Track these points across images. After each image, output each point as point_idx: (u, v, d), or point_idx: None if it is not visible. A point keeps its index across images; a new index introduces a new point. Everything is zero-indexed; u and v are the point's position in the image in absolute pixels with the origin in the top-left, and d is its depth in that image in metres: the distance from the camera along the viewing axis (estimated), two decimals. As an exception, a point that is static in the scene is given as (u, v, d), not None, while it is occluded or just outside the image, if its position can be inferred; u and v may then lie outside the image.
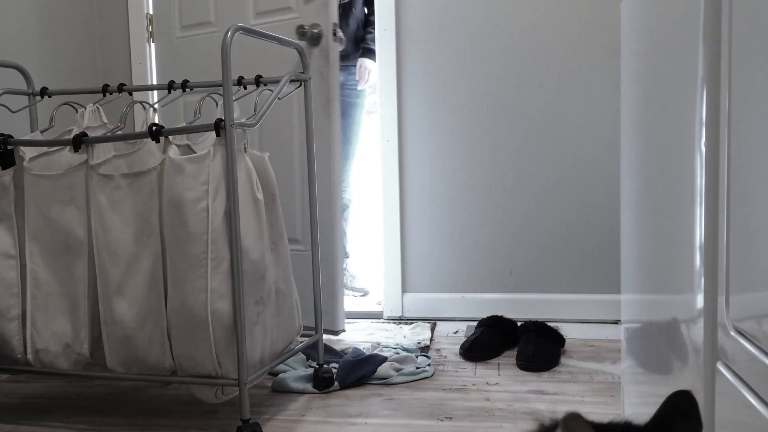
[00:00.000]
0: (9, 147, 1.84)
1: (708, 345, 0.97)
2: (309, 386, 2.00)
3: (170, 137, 1.73)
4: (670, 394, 0.74)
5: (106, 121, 2.01)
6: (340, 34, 2.50)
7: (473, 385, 2.03)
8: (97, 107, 1.99)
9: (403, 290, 2.80)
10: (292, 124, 2.82)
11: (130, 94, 2.20)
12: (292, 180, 2.56)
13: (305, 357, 2.20)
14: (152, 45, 2.95)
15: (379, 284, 2.87)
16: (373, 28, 2.89)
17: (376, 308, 2.86)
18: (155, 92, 2.90)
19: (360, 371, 2.04)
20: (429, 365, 2.14)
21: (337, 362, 2.12)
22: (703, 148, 0.96)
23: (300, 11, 2.44)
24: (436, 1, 2.70)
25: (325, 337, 2.16)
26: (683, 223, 1.07)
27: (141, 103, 2.10)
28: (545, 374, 2.10)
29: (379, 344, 2.37)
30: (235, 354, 1.66)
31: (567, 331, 2.53)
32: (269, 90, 1.87)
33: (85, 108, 1.97)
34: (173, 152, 1.68)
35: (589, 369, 2.13)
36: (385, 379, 2.05)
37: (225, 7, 2.70)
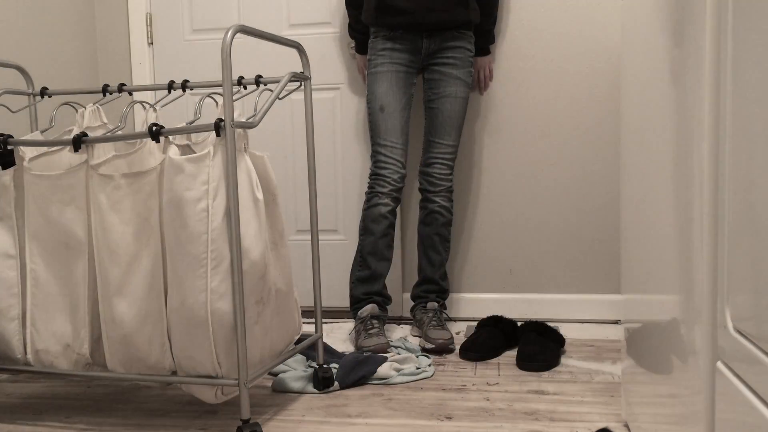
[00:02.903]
0: (9, 147, 1.84)
1: (708, 345, 0.97)
2: (309, 386, 2.00)
3: (170, 137, 1.73)
4: None
5: (106, 121, 2.01)
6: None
7: (473, 385, 2.03)
8: (97, 107, 1.99)
9: (404, 290, 2.80)
10: (333, 119, 2.84)
11: (130, 94, 2.20)
12: (331, 172, 2.84)
13: (305, 357, 2.20)
14: (152, 45, 2.96)
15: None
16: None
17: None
18: (155, 92, 2.91)
19: (360, 371, 2.04)
20: (429, 365, 2.14)
21: (337, 362, 2.12)
22: (704, 148, 0.96)
23: None
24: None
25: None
26: (683, 223, 1.07)
27: (141, 103, 2.10)
28: (545, 374, 2.10)
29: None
30: (235, 354, 1.66)
31: (567, 331, 2.54)
32: (269, 90, 1.87)
33: (85, 108, 1.97)
34: (173, 152, 1.68)
35: (589, 369, 2.13)
36: (385, 379, 2.05)
37: (249, 15, 2.74)
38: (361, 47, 2.60)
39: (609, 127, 2.65)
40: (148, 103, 2.01)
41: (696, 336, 1.01)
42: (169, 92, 2.11)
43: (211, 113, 2.70)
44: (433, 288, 2.54)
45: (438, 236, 2.51)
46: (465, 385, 2.02)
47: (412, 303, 2.60)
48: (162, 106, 2.12)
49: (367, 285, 2.47)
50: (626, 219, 1.57)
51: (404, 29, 2.40)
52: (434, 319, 2.42)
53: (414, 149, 2.74)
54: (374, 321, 2.39)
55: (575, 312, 2.70)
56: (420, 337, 2.44)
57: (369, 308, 2.42)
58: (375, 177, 2.44)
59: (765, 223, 0.77)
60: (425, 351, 2.31)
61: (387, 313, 2.52)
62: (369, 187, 2.46)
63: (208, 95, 1.94)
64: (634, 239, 1.48)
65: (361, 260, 2.48)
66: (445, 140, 2.47)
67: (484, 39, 2.57)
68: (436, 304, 2.49)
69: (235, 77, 2.09)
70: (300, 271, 2.88)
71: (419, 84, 2.57)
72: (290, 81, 1.85)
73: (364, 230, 2.46)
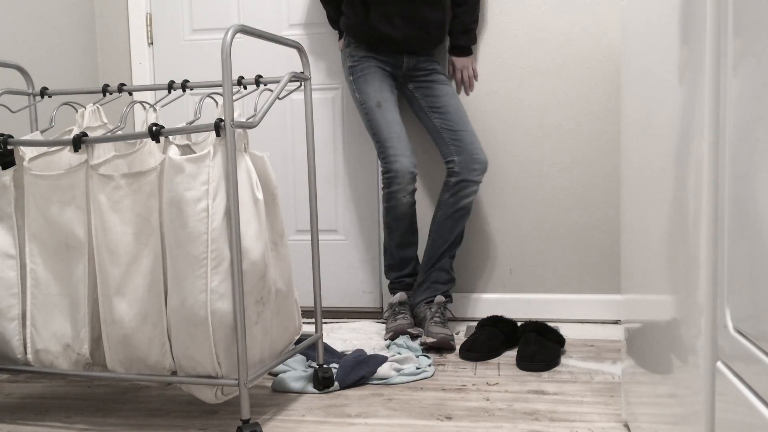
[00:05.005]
0: (9, 147, 1.84)
1: (708, 345, 0.97)
2: (309, 386, 2.00)
3: (170, 137, 1.73)
4: None
5: (106, 121, 2.01)
6: None
7: (473, 385, 2.03)
8: (97, 107, 1.99)
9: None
10: (333, 119, 2.84)
11: (130, 94, 2.20)
12: (331, 172, 2.86)
13: (305, 357, 2.20)
14: (152, 45, 2.96)
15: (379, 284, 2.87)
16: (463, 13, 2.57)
17: (375, 306, 2.86)
18: (155, 92, 2.91)
19: (360, 371, 2.04)
20: (429, 365, 2.14)
21: (337, 362, 2.12)
22: (704, 147, 0.96)
23: None
24: (436, 1, 2.70)
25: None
26: (683, 223, 1.07)
27: (141, 103, 2.10)
28: (545, 374, 2.10)
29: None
30: (235, 354, 1.66)
31: (567, 331, 2.54)
32: (269, 90, 1.87)
33: (85, 108, 1.97)
34: (173, 152, 1.68)
35: (589, 369, 2.13)
36: (385, 379, 2.05)
37: (249, 15, 2.74)
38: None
39: (609, 126, 2.65)
40: (148, 103, 2.01)
41: (696, 336, 1.01)
42: (169, 92, 2.11)
43: (211, 113, 2.70)
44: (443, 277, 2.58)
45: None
46: (465, 385, 2.02)
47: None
48: (162, 106, 2.12)
49: (397, 271, 2.61)
50: (626, 219, 1.57)
51: (385, 51, 2.52)
52: (436, 315, 2.44)
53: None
54: (401, 307, 2.53)
55: (575, 312, 2.70)
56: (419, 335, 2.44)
57: (398, 296, 2.56)
58: (389, 173, 2.46)
59: (765, 222, 0.77)
60: (426, 346, 2.31)
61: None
62: (386, 185, 2.48)
63: (208, 95, 1.94)
64: (634, 239, 1.48)
65: (389, 251, 2.60)
66: (468, 128, 2.52)
67: (466, 38, 2.60)
68: (443, 298, 2.52)
69: (235, 77, 2.09)
70: (300, 271, 2.88)
71: (405, 101, 2.65)
72: (290, 81, 1.85)
73: (389, 228, 2.55)
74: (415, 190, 2.50)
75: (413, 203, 2.50)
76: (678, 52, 1.09)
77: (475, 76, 2.69)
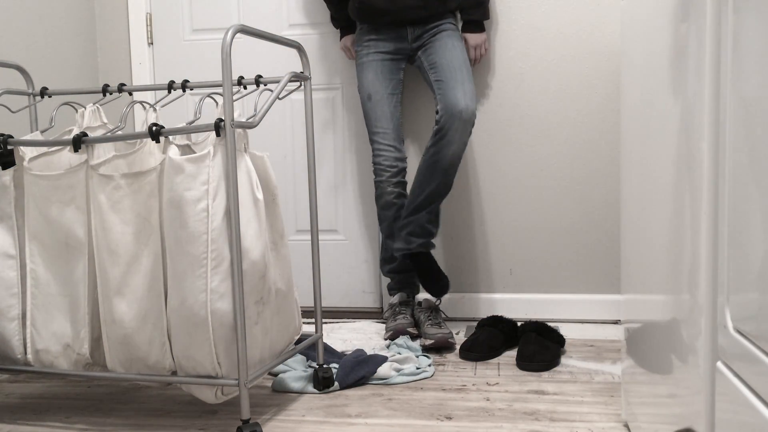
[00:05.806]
0: (9, 147, 1.84)
1: (708, 345, 0.97)
2: (309, 386, 2.00)
3: (170, 137, 1.73)
4: None
5: (106, 121, 2.01)
6: None
7: (473, 385, 2.03)
8: (97, 107, 1.99)
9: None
10: (335, 120, 2.84)
11: (130, 94, 2.20)
12: (332, 172, 2.86)
13: (305, 357, 2.20)
14: (152, 45, 2.96)
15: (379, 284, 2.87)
16: None
17: (375, 306, 2.86)
18: (155, 92, 2.91)
19: (360, 371, 2.04)
20: (429, 365, 2.14)
21: (337, 362, 2.12)
22: (704, 148, 0.96)
23: None
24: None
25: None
26: (683, 223, 1.07)
27: (141, 103, 2.10)
28: (545, 374, 2.10)
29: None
30: (235, 354, 1.66)
31: (567, 331, 2.53)
32: (269, 90, 1.87)
33: (85, 108, 1.97)
34: (173, 152, 1.68)
35: (589, 369, 2.13)
36: (385, 379, 2.05)
37: (249, 15, 2.74)
38: (345, 33, 2.68)
39: (609, 126, 2.65)
40: (148, 103, 2.01)
41: (696, 336, 1.01)
42: (169, 92, 2.11)
43: (211, 113, 2.70)
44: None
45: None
46: (465, 385, 2.02)
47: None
48: (162, 106, 2.12)
49: (389, 263, 2.62)
50: (626, 219, 1.57)
51: (386, 25, 2.48)
52: (430, 318, 2.45)
53: (414, 139, 2.74)
54: (401, 307, 2.55)
55: (575, 312, 2.70)
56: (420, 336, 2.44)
57: (398, 296, 2.59)
58: (374, 166, 2.52)
59: (765, 222, 0.77)
60: (426, 348, 2.31)
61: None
62: (374, 174, 2.54)
63: (208, 95, 1.94)
64: (634, 239, 1.48)
65: (382, 244, 2.63)
66: (456, 76, 2.37)
67: (479, 12, 2.53)
68: (431, 300, 2.53)
69: (235, 77, 2.09)
70: (300, 271, 2.88)
71: (417, 72, 2.61)
72: (290, 81, 1.85)
73: (379, 218, 2.59)
74: (403, 183, 2.51)
75: (400, 195, 2.51)
76: (677, 53, 1.09)
77: (485, 52, 2.61)
